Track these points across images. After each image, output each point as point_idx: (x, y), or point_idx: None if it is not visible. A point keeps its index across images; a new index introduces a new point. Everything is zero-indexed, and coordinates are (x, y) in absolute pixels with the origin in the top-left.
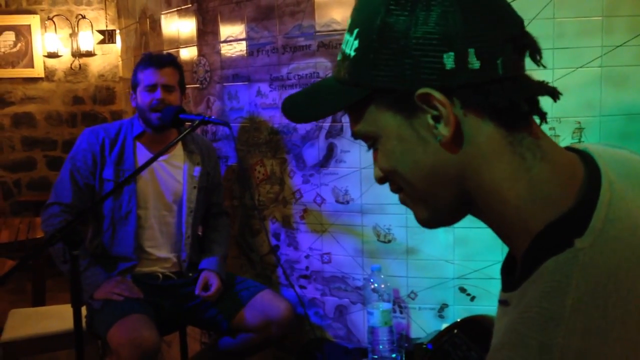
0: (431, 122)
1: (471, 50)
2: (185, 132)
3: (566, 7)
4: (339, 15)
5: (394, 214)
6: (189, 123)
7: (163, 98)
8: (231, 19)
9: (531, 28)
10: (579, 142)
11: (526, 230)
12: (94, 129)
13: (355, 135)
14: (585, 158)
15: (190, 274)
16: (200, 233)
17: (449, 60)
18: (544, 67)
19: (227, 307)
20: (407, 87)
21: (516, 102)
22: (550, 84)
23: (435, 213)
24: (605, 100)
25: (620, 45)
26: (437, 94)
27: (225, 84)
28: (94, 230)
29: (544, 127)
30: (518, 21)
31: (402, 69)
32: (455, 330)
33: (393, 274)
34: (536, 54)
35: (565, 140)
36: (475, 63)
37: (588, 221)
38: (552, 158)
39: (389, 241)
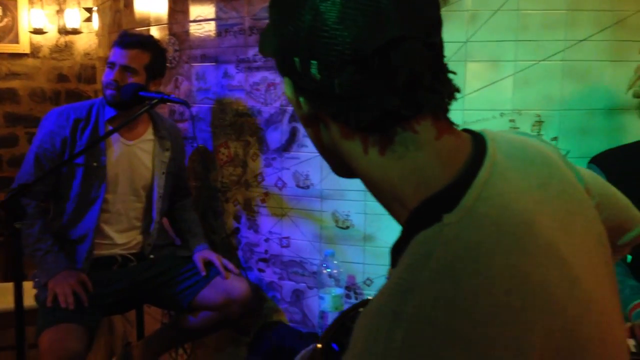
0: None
1: (313, 62)
2: (143, 110)
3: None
4: None
5: (353, 201)
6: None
7: (116, 79)
8: None
9: (495, 19)
10: (538, 135)
11: (405, 208)
12: (62, 111)
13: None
14: (479, 141)
15: (152, 256)
16: (167, 217)
17: (297, 64)
18: (403, 83)
19: (188, 286)
20: (280, 69)
21: (348, 120)
22: (512, 76)
23: (332, 169)
24: (565, 94)
25: (582, 40)
26: (287, 88)
27: (193, 64)
28: (55, 211)
29: (504, 119)
30: (378, 40)
31: (278, 54)
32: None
33: (350, 260)
34: (397, 75)
35: None
36: (316, 75)
37: (461, 199)
38: (431, 146)
39: (347, 227)
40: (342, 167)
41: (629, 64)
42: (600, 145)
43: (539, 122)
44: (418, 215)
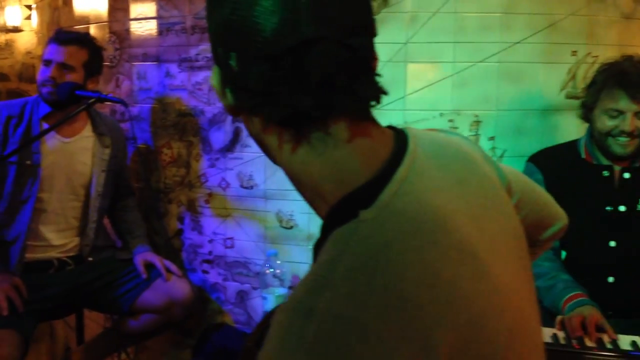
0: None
1: (233, 54)
2: (79, 109)
3: (468, 2)
4: None
5: (296, 200)
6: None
7: (53, 76)
8: None
9: (434, 21)
10: (476, 135)
11: (326, 204)
12: None
13: None
14: (401, 139)
15: (90, 258)
16: (109, 217)
17: (221, 54)
18: (316, 84)
19: (129, 289)
20: (212, 57)
21: (262, 116)
22: (451, 77)
23: (269, 157)
24: (502, 95)
25: (517, 43)
26: (214, 77)
27: (134, 63)
28: None
29: (444, 119)
30: (291, 39)
31: (210, 42)
32: None
33: (294, 260)
34: (310, 75)
35: (463, 132)
36: (235, 66)
37: (379, 195)
38: (353, 143)
39: (291, 227)
40: (272, 157)
41: (562, 66)
42: (535, 144)
43: (477, 122)
44: (336, 212)
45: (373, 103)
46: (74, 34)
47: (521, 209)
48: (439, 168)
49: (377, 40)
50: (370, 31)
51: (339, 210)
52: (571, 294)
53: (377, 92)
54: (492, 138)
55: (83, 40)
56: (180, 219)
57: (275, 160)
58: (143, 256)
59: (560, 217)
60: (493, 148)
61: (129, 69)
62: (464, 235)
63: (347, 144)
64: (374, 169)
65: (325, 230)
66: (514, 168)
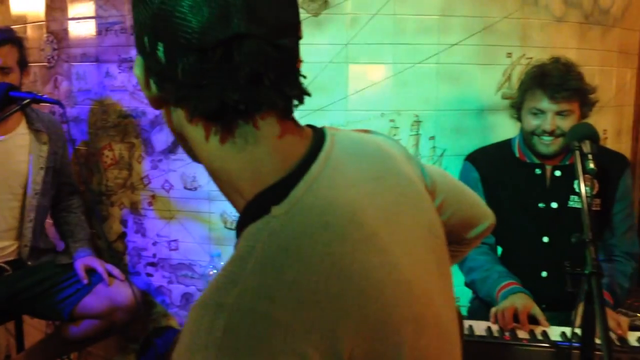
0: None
1: (160, 44)
2: (14, 110)
3: (406, 4)
4: None
5: None
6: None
7: None
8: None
9: (372, 24)
10: (417, 134)
11: (244, 200)
12: None
13: None
14: (319, 138)
15: (30, 263)
16: (50, 218)
17: (147, 44)
18: (245, 79)
19: (69, 294)
20: (136, 46)
21: (188, 107)
22: (391, 78)
23: (187, 154)
24: (441, 96)
25: (454, 44)
26: (137, 67)
27: (73, 63)
28: None
29: (385, 119)
30: (221, 33)
31: (135, 31)
32: None
33: None
34: (239, 70)
35: (404, 131)
36: (162, 57)
37: (291, 191)
38: (270, 141)
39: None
40: (191, 152)
41: (498, 67)
42: (473, 143)
43: (417, 122)
44: (250, 208)
45: (296, 103)
46: (2, 33)
47: (447, 208)
48: (355, 165)
49: (319, 41)
50: (296, 33)
51: (253, 207)
52: (504, 283)
53: (302, 92)
54: (432, 137)
55: (11, 38)
56: (123, 222)
57: (194, 156)
58: (84, 260)
59: (487, 217)
60: (434, 147)
61: (67, 69)
62: (375, 229)
63: (267, 142)
64: (289, 166)
65: (240, 227)
66: (442, 169)
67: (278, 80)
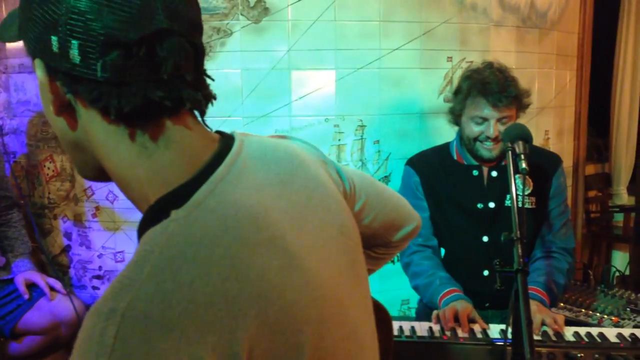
0: (45, 91)
1: (74, 43)
2: None
3: (346, 10)
4: None
5: None
6: None
7: None
8: (16, 4)
9: (314, 30)
10: (362, 138)
11: (147, 206)
12: None
13: None
14: (228, 143)
15: None
16: None
17: (54, 44)
18: (168, 74)
19: (10, 311)
20: (32, 51)
21: (108, 107)
22: (334, 83)
23: (79, 170)
24: (384, 100)
25: (396, 49)
26: (39, 70)
27: (11, 74)
28: None
29: (329, 124)
30: (145, 28)
31: (30, 33)
32: None
33: None
34: (163, 65)
35: (349, 136)
36: (75, 57)
37: (193, 195)
38: (181, 146)
39: None
40: (88, 165)
41: (438, 71)
42: (417, 147)
43: (362, 127)
44: (150, 212)
45: (206, 103)
46: None
47: (369, 211)
48: (262, 169)
49: (261, 48)
50: (202, 32)
51: (154, 211)
52: (446, 290)
53: (211, 93)
54: (377, 142)
55: None
56: (67, 235)
57: (95, 164)
58: (24, 275)
59: (412, 219)
60: (379, 151)
61: (5, 80)
62: (277, 231)
63: (176, 145)
64: (194, 170)
65: (140, 232)
66: (365, 173)
67: (195, 78)
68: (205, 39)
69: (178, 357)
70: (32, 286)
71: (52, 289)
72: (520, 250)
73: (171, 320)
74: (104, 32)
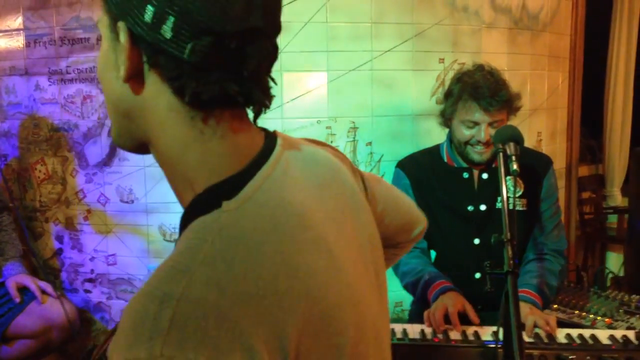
0: (123, 55)
1: (170, 18)
2: None
3: (338, 12)
4: None
5: (179, 212)
6: None
7: None
8: (6, 7)
9: (305, 31)
10: (354, 140)
11: (192, 192)
12: None
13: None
14: (271, 141)
15: None
16: None
17: (148, 13)
18: (248, 73)
19: (1, 314)
20: (116, 12)
21: (184, 89)
22: (326, 85)
23: (118, 138)
24: (376, 102)
25: (387, 51)
26: (123, 34)
27: (1, 76)
28: None
29: (322, 126)
30: (241, 24)
31: None
32: None
33: None
34: (246, 64)
35: (341, 138)
36: (168, 32)
37: (243, 188)
38: (234, 138)
39: (175, 240)
40: (133, 136)
41: (430, 73)
42: (409, 148)
43: (354, 129)
44: (200, 201)
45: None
46: None
47: (385, 216)
48: (303, 170)
49: None
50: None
51: (203, 200)
52: (435, 282)
53: (271, 96)
54: (369, 143)
55: None
56: (59, 238)
57: (140, 137)
58: (15, 278)
59: (420, 221)
60: (371, 153)
61: None
62: (321, 232)
63: (230, 137)
64: (243, 163)
65: (187, 219)
66: (379, 177)
67: (267, 79)
68: None
69: (232, 346)
70: (23, 289)
71: (43, 292)
72: (510, 252)
73: (226, 308)
74: (203, 17)
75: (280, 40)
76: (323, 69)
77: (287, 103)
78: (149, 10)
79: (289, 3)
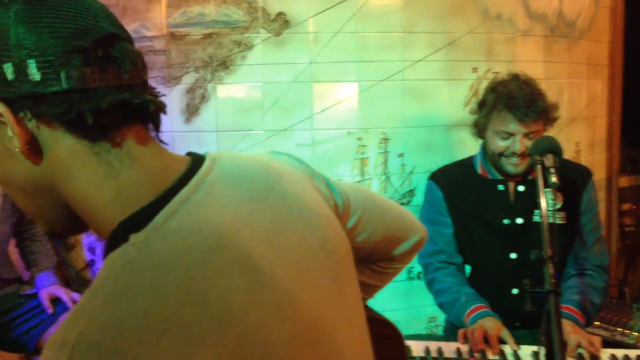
0: (10, 133)
1: (31, 62)
2: None
3: (368, 22)
4: None
5: None
6: None
7: None
8: None
9: (335, 42)
10: (385, 152)
11: (109, 230)
12: None
13: None
14: (198, 162)
15: None
16: (15, 247)
17: (8, 71)
18: (129, 77)
19: (34, 325)
20: None
21: (82, 114)
22: (356, 96)
23: (50, 225)
24: (407, 112)
25: (419, 60)
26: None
27: None
28: None
29: (352, 137)
30: (96, 33)
31: None
32: None
33: None
34: (121, 67)
35: (372, 149)
36: (35, 75)
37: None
38: (144, 164)
39: None
40: (57, 211)
41: (463, 83)
42: (442, 160)
43: (385, 140)
44: (113, 237)
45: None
46: None
47: (366, 225)
48: (233, 188)
49: (282, 61)
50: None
51: (115, 236)
52: (473, 307)
53: (164, 103)
54: (401, 155)
55: None
56: (91, 250)
57: (63, 206)
58: (49, 290)
59: (416, 231)
60: (403, 165)
61: None
62: (243, 250)
63: (140, 165)
64: (159, 191)
65: (104, 257)
66: (360, 186)
67: (149, 85)
68: (225, 52)
69: None
70: (55, 301)
71: (75, 303)
72: (551, 270)
73: (123, 349)
74: (59, 44)
75: (310, 51)
76: (353, 80)
77: (317, 114)
78: (8, 68)
79: (317, 14)
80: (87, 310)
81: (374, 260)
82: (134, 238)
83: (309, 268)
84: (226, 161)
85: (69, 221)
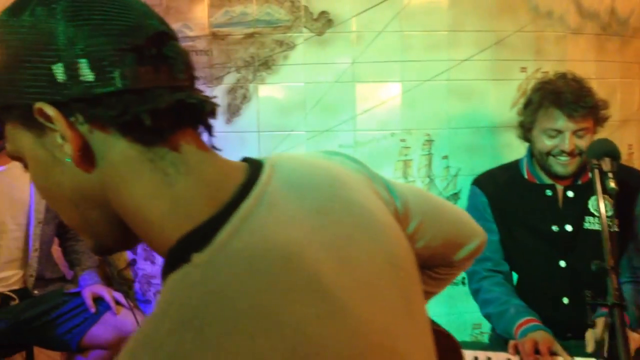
0: (59, 140)
1: (83, 62)
2: None
3: (413, 21)
4: None
5: None
6: None
7: None
8: None
9: (379, 41)
10: (429, 154)
11: (167, 246)
12: None
13: (9, 156)
14: (256, 170)
15: (36, 292)
16: (59, 246)
17: (58, 72)
18: (182, 77)
19: (77, 324)
20: (25, 101)
21: (139, 115)
22: (400, 96)
23: (99, 239)
24: (452, 113)
25: (465, 60)
26: (48, 108)
27: None
28: None
29: (395, 138)
30: (147, 30)
31: (16, 82)
32: None
33: None
34: (174, 66)
35: (415, 151)
36: (88, 75)
37: (216, 235)
38: (201, 171)
39: None
40: (110, 224)
41: (511, 83)
42: (488, 162)
43: (429, 141)
44: (172, 255)
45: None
46: None
47: (426, 230)
48: (297, 198)
49: (324, 60)
50: None
51: (174, 254)
52: (523, 319)
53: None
54: (445, 157)
55: None
56: (132, 249)
57: (116, 217)
58: (92, 288)
59: (476, 235)
60: (447, 167)
61: None
62: (314, 271)
63: (196, 172)
64: (218, 203)
65: (163, 277)
66: (417, 187)
67: (198, 88)
68: (267, 52)
69: None
70: (98, 299)
71: (117, 302)
72: (615, 282)
73: None
74: (111, 41)
75: (353, 50)
76: (397, 80)
77: (360, 115)
78: (59, 68)
79: (360, 13)
80: (152, 340)
81: (432, 266)
82: (197, 259)
83: (380, 289)
84: (286, 168)
85: (120, 234)
